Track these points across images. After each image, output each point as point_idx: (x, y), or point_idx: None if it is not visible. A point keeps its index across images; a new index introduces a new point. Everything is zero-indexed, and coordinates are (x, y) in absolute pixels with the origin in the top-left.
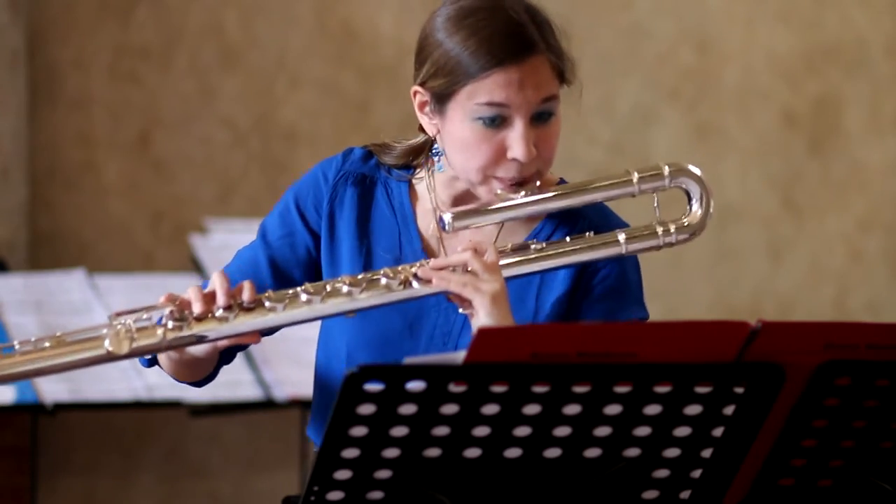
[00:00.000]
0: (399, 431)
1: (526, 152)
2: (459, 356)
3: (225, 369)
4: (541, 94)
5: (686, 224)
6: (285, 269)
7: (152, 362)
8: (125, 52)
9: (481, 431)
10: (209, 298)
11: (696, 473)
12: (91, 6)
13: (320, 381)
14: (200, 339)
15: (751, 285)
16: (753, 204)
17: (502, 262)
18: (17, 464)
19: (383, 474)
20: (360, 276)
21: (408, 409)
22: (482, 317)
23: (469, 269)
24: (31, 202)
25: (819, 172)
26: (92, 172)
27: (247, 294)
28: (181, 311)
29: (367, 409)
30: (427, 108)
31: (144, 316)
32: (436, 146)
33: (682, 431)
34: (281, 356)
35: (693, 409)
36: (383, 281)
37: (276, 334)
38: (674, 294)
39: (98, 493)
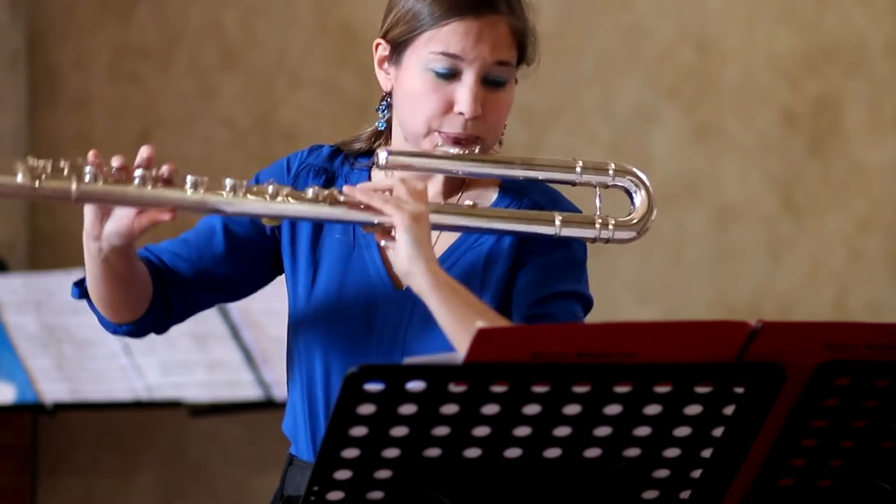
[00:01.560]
0: (399, 431)
1: (472, 108)
2: (459, 356)
3: (225, 369)
4: (496, 54)
5: (627, 223)
6: (240, 239)
7: (83, 293)
8: (125, 52)
9: (481, 431)
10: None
11: (697, 473)
12: (91, 6)
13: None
14: (112, 198)
15: (751, 285)
16: (753, 204)
17: (435, 210)
18: (17, 463)
19: (383, 474)
20: (285, 186)
21: (408, 408)
22: (400, 234)
23: (395, 193)
24: (31, 202)
25: (819, 172)
26: None
27: (167, 168)
28: (99, 168)
29: (366, 409)
30: (385, 64)
31: (61, 163)
32: (383, 103)
33: (682, 431)
34: (281, 357)
35: (693, 409)
36: (309, 193)
37: (276, 334)
38: (674, 294)
39: (98, 493)
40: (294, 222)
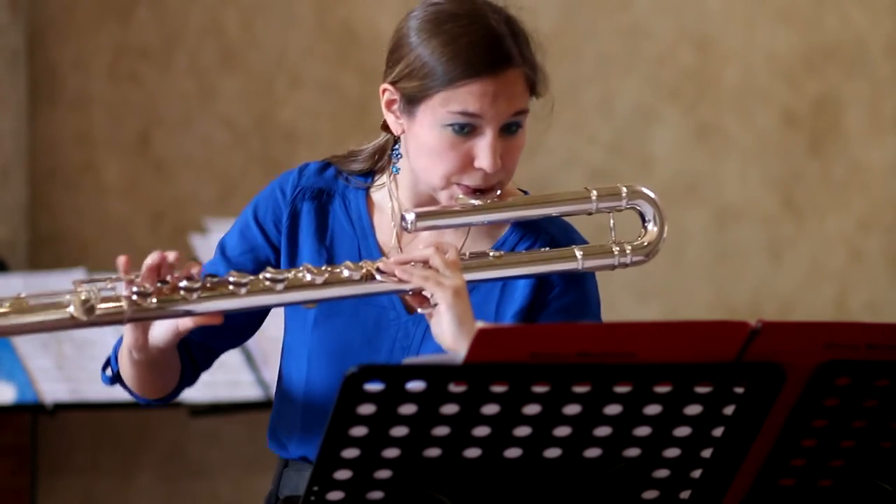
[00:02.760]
0: (399, 431)
1: (493, 163)
2: (459, 356)
3: (225, 369)
4: (513, 108)
5: (641, 245)
6: None
7: (115, 379)
8: (125, 52)
9: (481, 431)
10: (172, 277)
11: (697, 473)
12: (91, 6)
13: (281, 393)
14: (163, 314)
15: (751, 285)
16: (753, 204)
17: (464, 273)
18: (17, 463)
19: (383, 474)
20: (323, 267)
21: (408, 408)
22: (443, 310)
23: (430, 264)
24: (31, 202)
25: (819, 172)
26: (92, 172)
27: (195, 270)
28: (144, 284)
29: (367, 409)
30: (395, 107)
31: (108, 285)
32: (396, 147)
33: (682, 431)
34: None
35: (693, 409)
36: (345, 273)
37: (276, 335)
38: (674, 294)
39: (98, 493)
40: (293, 246)
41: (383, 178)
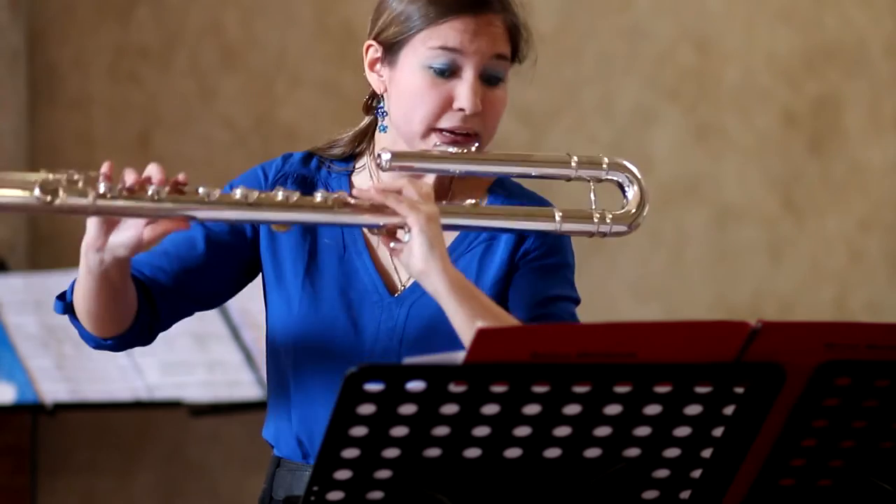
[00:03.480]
0: (399, 431)
1: (472, 103)
2: (459, 356)
3: (225, 369)
4: (494, 48)
5: (622, 216)
6: (222, 244)
7: (68, 308)
8: (125, 52)
9: (481, 431)
10: (144, 180)
11: (697, 473)
12: (91, 6)
13: (270, 383)
14: (129, 212)
15: (751, 285)
16: (753, 204)
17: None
18: (17, 463)
19: (383, 474)
20: (295, 192)
21: (408, 408)
22: (416, 234)
23: (404, 194)
24: None
25: (819, 172)
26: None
27: (181, 177)
28: (114, 183)
29: (366, 408)
30: (377, 66)
31: (76, 176)
32: (381, 106)
33: (682, 431)
34: None
35: (693, 409)
36: (319, 198)
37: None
38: (674, 294)
39: (98, 493)
40: (273, 232)
41: (363, 161)
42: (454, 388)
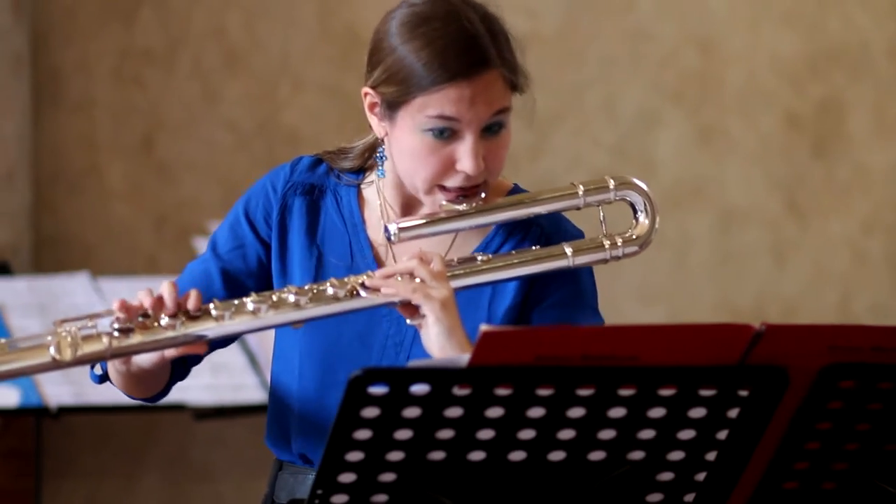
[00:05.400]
0: (403, 435)
1: (475, 166)
2: (464, 359)
3: (230, 373)
4: (492, 108)
5: (633, 237)
6: (238, 279)
7: (103, 378)
8: (128, 56)
9: (485, 434)
10: (158, 303)
11: (701, 476)
12: (94, 9)
13: (274, 391)
14: (146, 348)
15: (754, 288)
16: (757, 207)
17: (448, 273)
18: (21, 467)
19: (387, 477)
20: (306, 287)
21: (412, 412)
22: (431, 323)
23: (416, 277)
24: (34, 205)
25: (823, 175)
26: (95, 176)
27: (192, 302)
28: (127, 320)
29: (370, 412)
30: (377, 110)
31: (90, 323)
32: (381, 149)
33: (687, 434)
34: None
35: (697, 412)
36: (330, 291)
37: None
38: (677, 296)
39: (102, 497)
40: (283, 242)
41: (373, 176)
42: (458, 391)
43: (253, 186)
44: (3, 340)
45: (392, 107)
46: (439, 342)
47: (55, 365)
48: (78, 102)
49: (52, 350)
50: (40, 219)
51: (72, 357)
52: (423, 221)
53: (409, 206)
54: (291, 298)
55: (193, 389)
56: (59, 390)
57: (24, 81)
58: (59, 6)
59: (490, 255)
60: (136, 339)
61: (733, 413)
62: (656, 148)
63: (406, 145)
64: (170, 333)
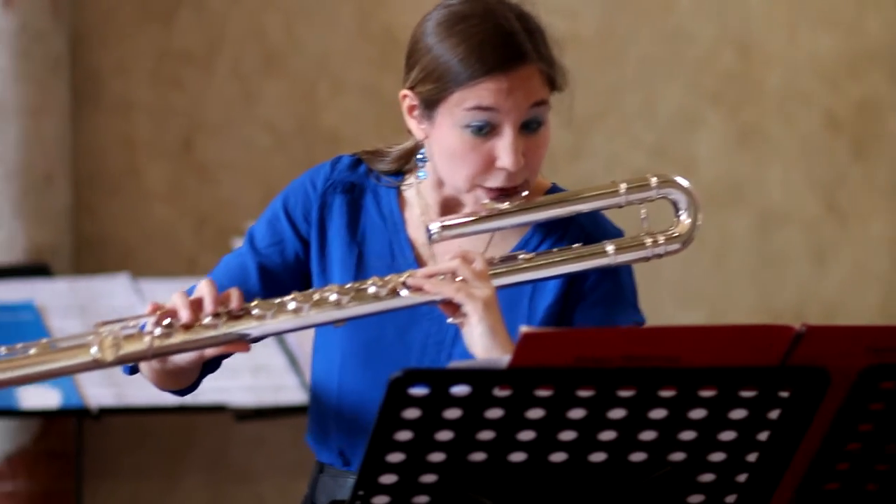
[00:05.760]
0: (444, 436)
1: (514, 161)
2: (504, 360)
3: (270, 374)
4: (531, 99)
5: (675, 235)
6: (275, 275)
7: (134, 370)
8: (167, 57)
9: (526, 436)
10: (196, 306)
11: (742, 478)
12: (133, 11)
13: (315, 389)
14: (187, 347)
15: (795, 289)
16: (797, 208)
17: (490, 271)
18: (62, 468)
19: (428, 478)
20: (348, 286)
21: (453, 413)
22: (474, 322)
23: (458, 276)
24: (74, 207)
25: (862, 176)
26: (135, 177)
27: (235, 302)
28: (167, 319)
29: (411, 413)
30: (415, 113)
31: (131, 324)
32: (421, 151)
33: (727, 436)
34: None
35: (738, 414)
36: (371, 290)
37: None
38: (717, 298)
39: (142, 498)
40: (323, 240)
41: (412, 178)
42: (499, 392)
43: (292, 183)
44: (44, 340)
45: (430, 105)
46: (483, 342)
47: (96, 365)
48: (117, 104)
49: (93, 350)
50: (80, 220)
51: (113, 357)
52: (465, 220)
53: (449, 206)
54: (333, 297)
55: (234, 391)
56: (100, 391)
57: (63, 83)
58: (97, 8)
59: (532, 254)
60: (177, 338)
61: (774, 414)
62: (695, 149)
63: (446, 144)
64: (211, 333)
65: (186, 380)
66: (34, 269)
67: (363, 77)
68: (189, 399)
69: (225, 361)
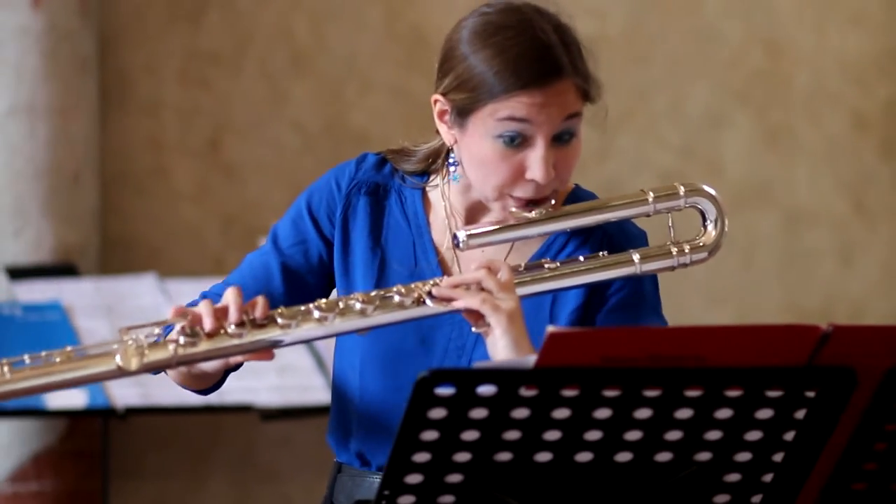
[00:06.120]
0: (470, 436)
1: (545, 174)
2: (530, 360)
3: (296, 374)
4: (564, 112)
5: (701, 244)
6: (298, 275)
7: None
8: (195, 57)
9: (552, 435)
10: (220, 314)
11: (768, 478)
12: (161, 11)
13: (336, 391)
14: (211, 356)
15: (822, 289)
16: (824, 207)
17: (516, 280)
18: (89, 468)
19: (454, 478)
20: (373, 294)
21: (479, 413)
22: (498, 335)
23: (483, 286)
24: (102, 207)
25: (890, 176)
26: (163, 177)
27: (259, 311)
28: (192, 327)
29: (437, 413)
30: (447, 118)
31: (156, 331)
32: (452, 155)
33: (753, 436)
34: None
35: (764, 413)
36: (396, 299)
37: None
38: (744, 297)
39: (168, 498)
40: (346, 242)
41: (437, 179)
42: (525, 392)
43: (317, 182)
44: (69, 348)
45: (463, 114)
46: (506, 354)
47: (121, 373)
48: (145, 104)
49: (117, 358)
50: (107, 220)
51: (137, 366)
52: (493, 228)
53: (474, 211)
54: (358, 306)
55: (260, 391)
56: (127, 391)
57: (91, 83)
58: (126, 8)
59: (557, 263)
60: (201, 347)
61: (800, 414)
62: (723, 149)
63: (476, 152)
64: (235, 342)
65: (210, 382)
66: (61, 268)
67: (391, 77)
68: (215, 399)
69: (250, 362)
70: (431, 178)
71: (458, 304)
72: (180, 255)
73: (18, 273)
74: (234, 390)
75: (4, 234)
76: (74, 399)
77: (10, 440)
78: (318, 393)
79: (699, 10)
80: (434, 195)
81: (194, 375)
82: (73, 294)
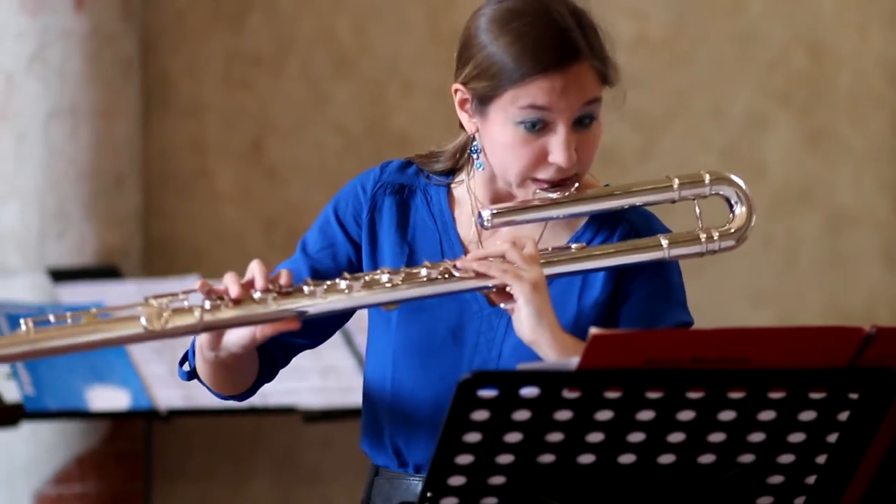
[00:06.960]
0: (513, 437)
1: (567, 158)
2: (573, 362)
3: (338, 376)
4: (584, 97)
5: (730, 231)
6: (327, 278)
7: (191, 375)
8: (237, 59)
9: (595, 437)
10: (247, 285)
11: (811, 479)
12: (203, 14)
13: (367, 391)
14: (237, 322)
15: (865, 290)
16: (867, 209)
17: (542, 260)
18: (132, 470)
19: (497, 480)
20: (400, 269)
21: (521, 415)
22: (521, 304)
23: (507, 258)
24: (144, 209)
25: None
26: (205, 179)
27: (284, 279)
28: (218, 296)
29: (480, 415)
30: (468, 106)
31: (182, 297)
32: (475, 144)
33: (797, 437)
34: None
35: (807, 415)
36: (423, 272)
37: None
38: (787, 299)
39: (211, 499)
40: (374, 241)
41: (462, 175)
42: (568, 394)
43: (342, 189)
44: (94, 310)
45: (483, 101)
46: (529, 323)
47: (148, 335)
48: (187, 106)
49: (142, 320)
50: (150, 222)
51: (162, 328)
52: (517, 206)
53: (499, 201)
54: (384, 278)
55: (303, 392)
56: (170, 393)
57: (134, 86)
58: (168, 11)
59: (584, 244)
60: (228, 313)
61: (844, 416)
62: (765, 150)
63: (498, 139)
64: (261, 309)
65: (241, 380)
66: (104, 271)
67: (433, 79)
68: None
69: (293, 363)
70: (457, 175)
71: (480, 271)
72: (222, 257)
73: (61, 275)
74: (276, 392)
75: (47, 237)
76: (117, 401)
77: (54, 442)
78: (360, 395)
79: (741, 12)
80: (459, 191)
81: (224, 365)
82: (115, 296)
